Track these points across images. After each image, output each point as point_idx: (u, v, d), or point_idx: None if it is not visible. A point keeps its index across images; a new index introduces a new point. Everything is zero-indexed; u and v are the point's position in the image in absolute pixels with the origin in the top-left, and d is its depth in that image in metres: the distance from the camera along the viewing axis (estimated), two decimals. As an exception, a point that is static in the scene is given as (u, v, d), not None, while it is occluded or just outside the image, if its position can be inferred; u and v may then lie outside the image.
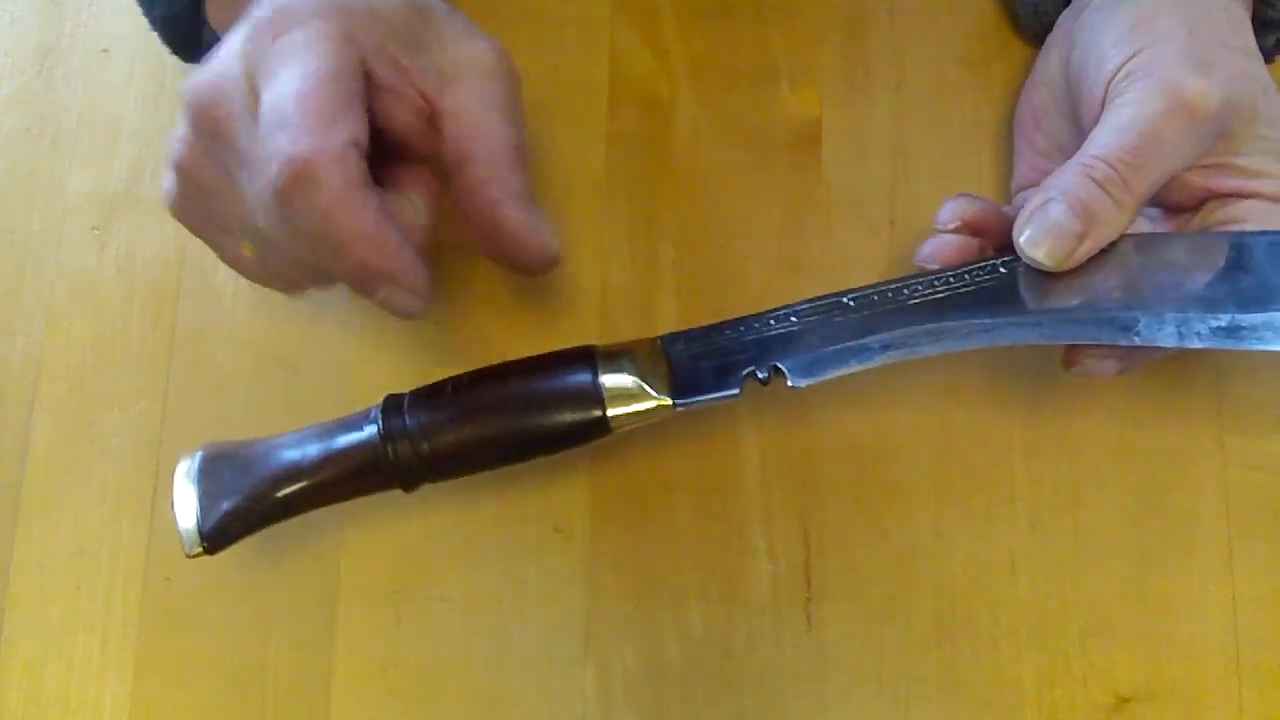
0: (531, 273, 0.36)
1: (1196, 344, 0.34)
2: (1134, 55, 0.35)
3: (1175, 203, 0.37)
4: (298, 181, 0.29)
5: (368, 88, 0.32)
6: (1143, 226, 0.38)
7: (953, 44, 0.45)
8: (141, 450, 0.43)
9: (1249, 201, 0.36)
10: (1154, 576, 0.40)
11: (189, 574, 0.41)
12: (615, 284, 0.43)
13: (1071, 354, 0.37)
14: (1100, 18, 0.37)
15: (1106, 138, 0.34)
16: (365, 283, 0.32)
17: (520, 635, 0.40)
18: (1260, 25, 0.38)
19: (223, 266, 0.45)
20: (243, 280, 0.44)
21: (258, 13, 0.32)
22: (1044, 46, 0.42)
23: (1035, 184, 0.41)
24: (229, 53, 0.32)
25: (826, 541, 0.41)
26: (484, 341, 0.43)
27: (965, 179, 0.44)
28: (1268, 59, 0.38)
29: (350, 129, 0.30)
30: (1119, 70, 0.35)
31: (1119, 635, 0.40)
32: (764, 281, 0.43)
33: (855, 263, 0.43)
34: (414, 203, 0.34)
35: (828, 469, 0.41)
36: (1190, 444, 0.41)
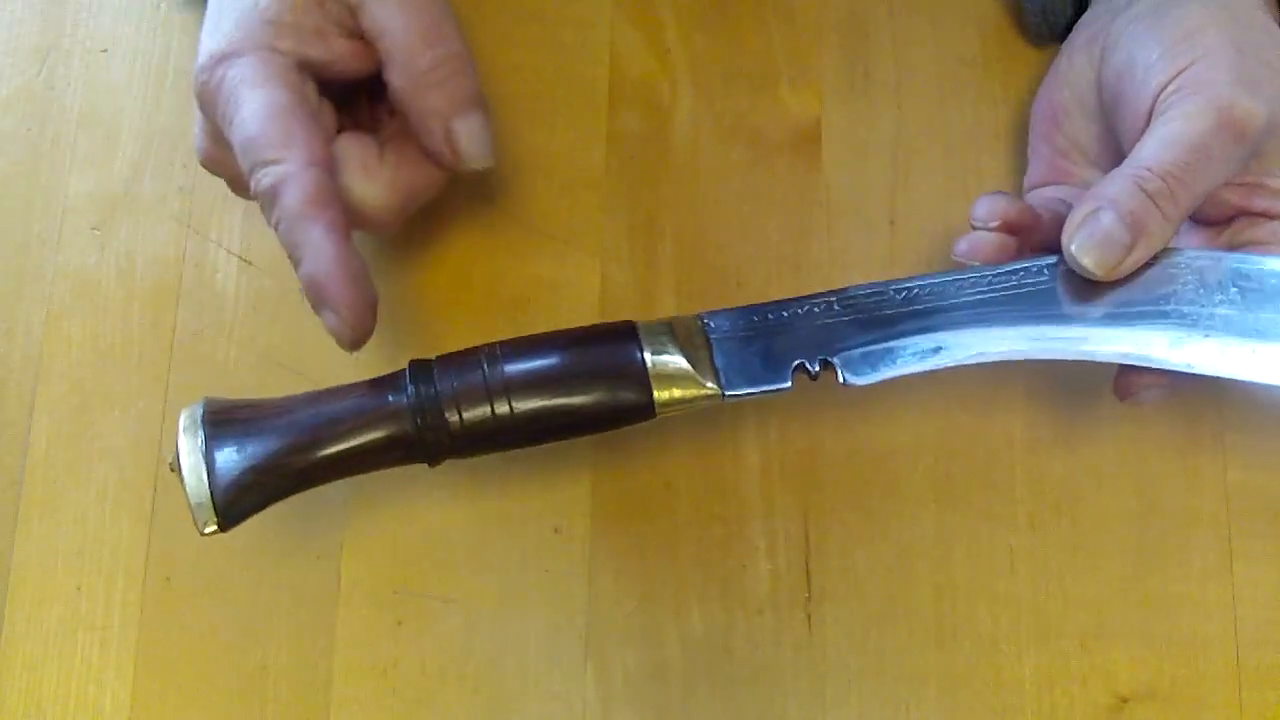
0: (457, 157, 0.37)
1: (1243, 376, 0.34)
2: (1182, 70, 0.35)
3: (1206, 217, 0.38)
4: (265, 199, 0.34)
5: (313, 82, 0.36)
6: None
7: (953, 44, 0.45)
8: (141, 450, 0.43)
9: (1279, 223, 0.36)
10: (1154, 576, 0.40)
11: (189, 574, 0.41)
12: (615, 284, 0.43)
13: (1124, 386, 0.37)
14: (1142, 27, 0.37)
15: (1156, 150, 0.34)
16: (310, 298, 0.34)
17: (520, 635, 0.40)
18: None
19: (222, 266, 0.45)
20: (243, 280, 0.44)
21: (209, 42, 0.36)
22: (1066, 46, 0.41)
23: (1051, 183, 0.41)
24: (204, 65, 0.35)
25: (826, 541, 0.41)
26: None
27: (965, 179, 0.44)
28: None
29: (304, 151, 0.33)
30: (1167, 84, 0.35)
31: (1119, 635, 0.40)
32: (764, 281, 0.43)
33: (855, 263, 0.43)
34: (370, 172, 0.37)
35: (828, 469, 0.41)
36: (1190, 443, 0.41)
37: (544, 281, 0.43)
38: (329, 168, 0.34)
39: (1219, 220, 0.37)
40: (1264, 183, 0.36)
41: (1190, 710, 0.39)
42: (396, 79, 0.36)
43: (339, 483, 0.41)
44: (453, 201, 0.44)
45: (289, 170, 0.33)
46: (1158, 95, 0.35)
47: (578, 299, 0.43)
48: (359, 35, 0.37)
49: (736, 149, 0.45)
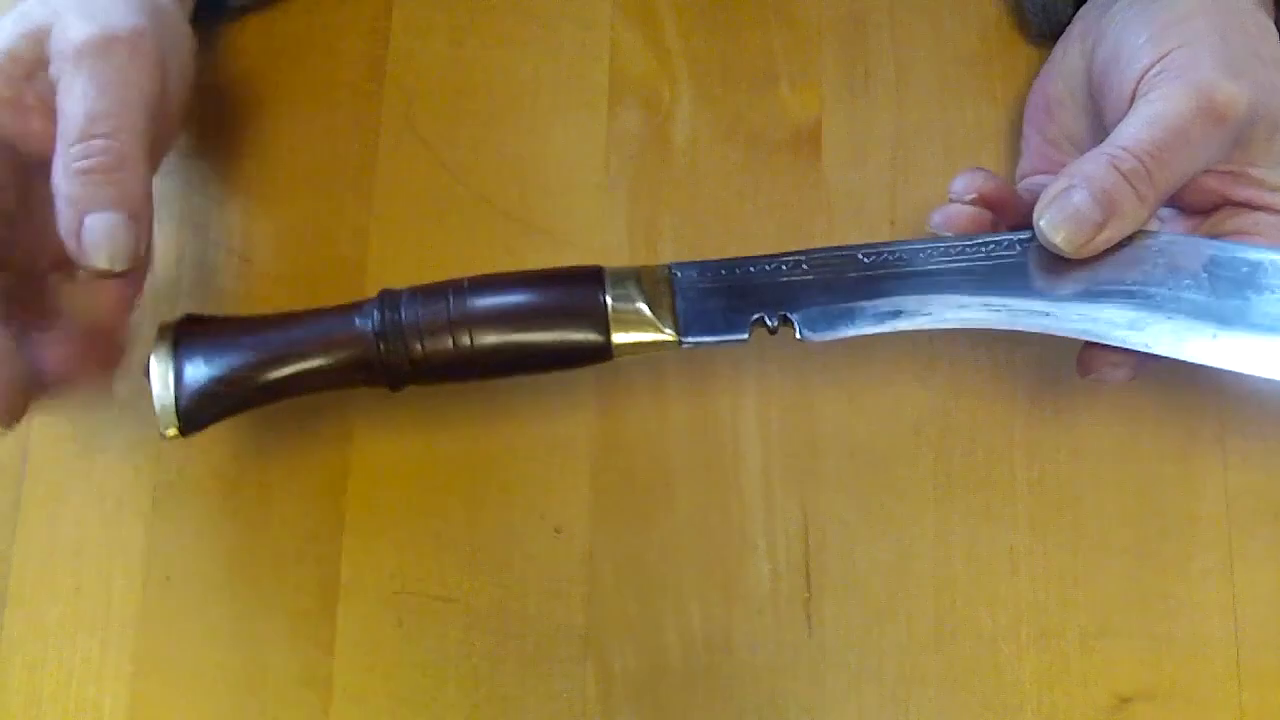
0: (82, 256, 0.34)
1: (1202, 360, 0.34)
2: (1167, 54, 0.35)
3: (1189, 204, 0.38)
4: None
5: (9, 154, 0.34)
6: (1153, 225, 0.38)
7: (953, 44, 0.45)
8: (141, 450, 0.43)
9: (1261, 214, 0.36)
10: (1154, 576, 0.40)
11: (189, 574, 0.41)
12: (615, 284, 0.43)
13: (1087, 362, 0.37)
14: (1132, 14, 0.37)
15: (1134, 130, 0.34)
16: None
17: (520, 635, 0.40)
18: None
19: (223, 266, 0.45)
20: (243, 280, 0.44)
21: None
22: (1063, 38, 0.42)
23: (1041, 172, 0.41)
24: None
25: (826, 541, 0.41)
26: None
27: (965, 179, 0.44)
28: None
29: None
30: (1151, 67, 0.35)
31: (1119, 635, 0.40)
32: (764, 281, 0.43)
33: (855, 263, 0.43)
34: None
35: (828, 468, 0.41)
36: (1191, 444, 0.41)
37: (544, 281, 0.43)
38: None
39: (1202, 209, 0.37)
40: (1247, 172, 0.36)
41: (1190, 710, 0.39)
42: (55, 156, 0.34)
43: (338, 483, 0.42)
44: (452, 201, 0.44)
45: None
46: (1141, 78, 0.35)
47: (578, 299, 0.43)
48: None
49: (736, 149, 0.45)
